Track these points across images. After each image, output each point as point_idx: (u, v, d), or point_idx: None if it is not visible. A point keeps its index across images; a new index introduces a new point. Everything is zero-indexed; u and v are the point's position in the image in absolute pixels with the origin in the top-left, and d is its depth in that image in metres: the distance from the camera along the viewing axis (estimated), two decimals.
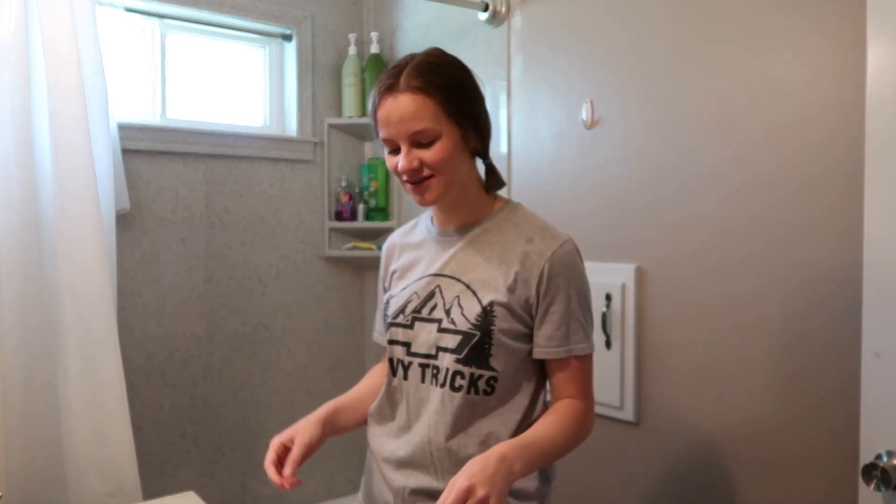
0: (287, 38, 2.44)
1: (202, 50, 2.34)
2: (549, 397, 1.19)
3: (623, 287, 1.61)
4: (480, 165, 1.20)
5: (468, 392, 1.13)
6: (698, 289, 1.47)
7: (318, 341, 2.47)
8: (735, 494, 1.42)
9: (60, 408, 1.63)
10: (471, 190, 1.18)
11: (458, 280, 1.16)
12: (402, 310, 1.20)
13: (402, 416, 1.20)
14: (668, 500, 1.55)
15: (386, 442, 1.21)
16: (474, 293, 1.14)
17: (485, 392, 1.13)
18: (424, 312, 1.17)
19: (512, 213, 1.20)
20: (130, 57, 2.17)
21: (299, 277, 2.43)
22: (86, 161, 1.63)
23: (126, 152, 2.04)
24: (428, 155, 1.09)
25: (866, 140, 1.03)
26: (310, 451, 1.14)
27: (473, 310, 1.13)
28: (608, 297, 1.64)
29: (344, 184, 2.48)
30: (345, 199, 2.45)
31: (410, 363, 1.19)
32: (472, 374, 1.12)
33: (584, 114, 1.71)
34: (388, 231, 2.32)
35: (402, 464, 1.17)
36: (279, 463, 1.12)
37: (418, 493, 1.14)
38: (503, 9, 1.94)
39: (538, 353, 1.15)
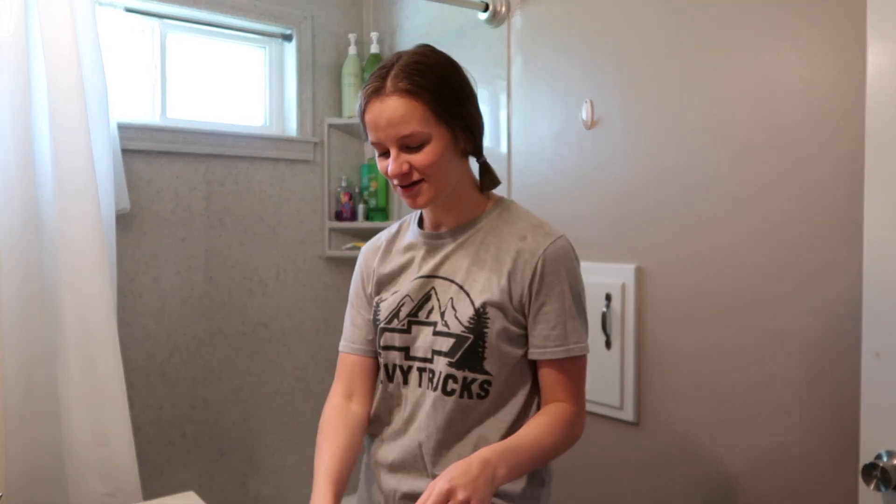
0: (287, 38, 2.44)
1: (202, 50, 2.34)
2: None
3: (623, 287, 1.61)
4: (475, 164, 1.18)
5: (461, 396, 1.11)
6: (698, 289, 1.47)
7: (318, 341, 2.47)
8: (735, 494, 1.42)
9: (60, 408, 1.63)
10: (464, 190, 1.16)
11: (452, 282, 1.14)
12: (395, 314, 1.17)
13: (398, 420, 1.18)
14: (667, 500, 1.55)
15: (380, 446, 1.20)
16: (467, 294, 1.12)
17: (478, 396, 1.11)
18: (421, 315, 1.15)
19: (505, 212, 1.18)
20: (130, 57, 2.16)
21: (299, 277, 2.43)
22: (86, 161, 1.63)
23: (126, 152, 2.04)
24: (417, 159, 1.06)
25: (866, 140, 1.03)
26: None
27: (466, 312, 1.10)
28: (608, 297, 1.64)
29: (344, 184, 2.48)
30: (345, 199, 2.45)
31: (410, 367, 1.16)
32: (464, 378, 1.10)
33: (584, 114, 1.71)
34: None
35: (395, 467, 1.16)
36: None
37: (409, 497, 1.13)
38: (503, 9, 1.94)
39: (534, 354, 1.12)
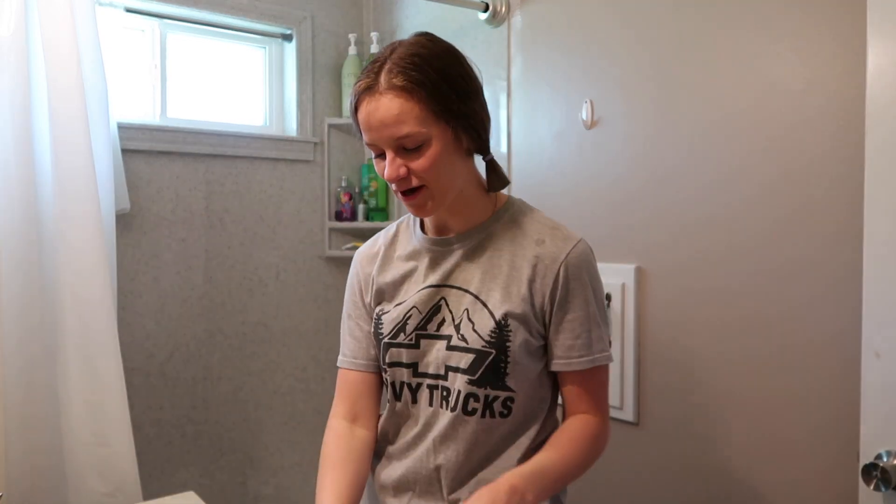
0: (287, 38, 2.44)
1: (202, 50, 2.34)
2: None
3: (623, 287, 1.61)
4: (479, 162, 1.10)
5: (483, 416, 1.03)
6: (698, 289, 1.47)
7: (318, 341, 2.47)
8: (735, 494, 1.41)
9: (60, 408, 1.63)
10: (470, 192, 1.07)
11: (467, 291, 1.05)
12: (401, 328, 1.07)
13: (407, 436, 1.10)
14: (667, 500, 1.55)
15: (387, 464, 1.12)
16: (485, 305, 1.03)
17: (500, 414, 1.04)
18: (431, 328, 1.06)
19: (518, 213, 1.09)
20: (130, 57, 2.16)
21: (299, 277, 2.43)
22: (86, 161, 1.63)
23: (126, 152, 2.04)
24: (416, 163, 0.97)
25: (866, 140, 1.03)
26: None
27: (486, 325, 1.02)
28: (608, 298, 1.64)
29: (344, 184, 2.48)
30: (345, 199, 2.45)
31: (419, 385, 1.07)
32: (486, 396, 1.02)
33: (584, 114, 1.71)
34: None
35: (401, 487, 1.09)
36: None
37: None
38: (503, 9, 1.94)
39: (557, 366, 1.05)
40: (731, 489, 1.42)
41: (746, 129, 1.38)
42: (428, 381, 1.07)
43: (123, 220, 2.05)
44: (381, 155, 1.01)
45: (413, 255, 1.12)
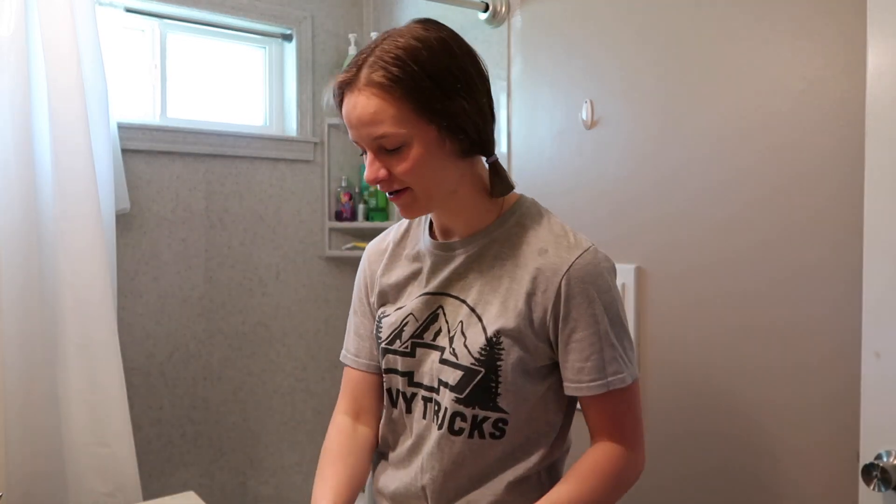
0: (287, 38, 2.44)
1: (202, 50, 2.34)
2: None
3: (623, 287, 1.61)
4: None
5: (470, 436, 0.97)
6: (698, 289, 1.47)
7: (318, 341, 2.47)
8: (735, 495, 1.41)
9: (61, 408, 1.63)
10: (468, 195, 0.99)
11: (464, 302, 0.99)
12: (397, 334, 1.03)
13: (403, 448, 1.05)
14: (668, 500, 1.55)
15: (384, 469, 1.09)
16: (479, 319, 0.96)
17: (492, 436, 0.97)
18: (427, 337, 1.00)
19: (524, 218, 1.01)
20: (130, 57, 2.16)
21: (299, 277, 2.43)
22: (86, 161, 1.63)
23: (126, 152, 2.04)
24: (397, 165, 0.91)
25: (866, 140, 1.03)
26: None
27: (477, 340, 0.95)
28: None
29: (344, 184, 2.48)
30: (345, 199, 2.45)
31: (414, 395, 1.02)
32: (475, 417, 0.96)
33: (584, 114, 1.71)
34: None
35: (396, 501, 1.06)
36: None
37: None
38: (503, 9, 1.94)
39: (569, 389, 0.97)
40: (731, 489, 1.42)
41: (746, 129, 1.37)
42: (423, 392, 1.01)
43: (123, 220, 2.05)
44: (366, 153, 0.96)
45: (418, 257, 1.06)
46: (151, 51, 2.22)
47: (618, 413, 0.98)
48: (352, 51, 2.43)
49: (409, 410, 1.04)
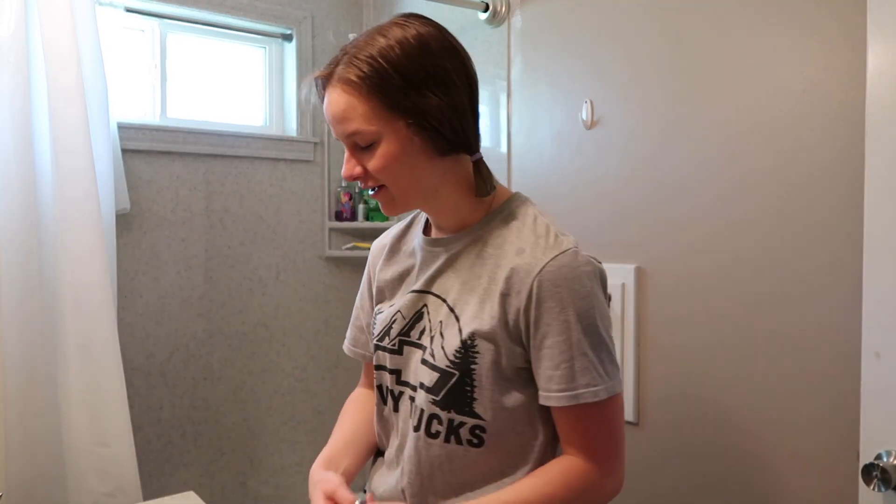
0: (287, 38, 2.44)
1: (202, 50, 2.34)
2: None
3: (623, 287, 1.61)
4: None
5: (447, 440, 0.94)
6: (698, 289, 1.47)
7: (318, 341, 2.47)
8: (735, 494, 1.41)
9: (60, 408, 1.63)
10: (452, 193, 0.97)
11: (444, 301, 0.97)
12: (386, 331, 1.02)
13: (392, 447, 1.04)
14: (668, 499, 1.55)
15: (378, 468, 1.08)
16: (457, 320, 0.94)
17: (469, 443, 0.93)
18: (413, 336, 0.99)
19: (511, 217, 0.98)
20: (130, 57, 2.17)
21: (299, 277, 2.43)
22: (86, 161, 1.63)
23: (126, 152, 2.04)
24: (370, 163, 0.91)
25: (866, 140, 1.03)
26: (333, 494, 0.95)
27: (453, 343, 0.93)
28: (608, 298, 1.63)
29: (344, 184, 2.48)
30: (345, 199, 2.45)
31: (401, 393, 1.01)
32: (451, 421, 0.93)
33: (584, 114, 1.71)
34: None
35: (382, 501, 1.03)
36: None
37: None
38: (503, 9, 1.94)
39: (541, 399, 0.92)
40: (731, 489, 1.42)
41: (747, 130, 1.37)
42: (409, 391, 0.99)
43: (123, 220, 2.05)
44: None
45: (413, 253, 1.06)
46: (151, 51, 2.22)
47: (589, 429, 0.91)
48: None
49: (396, 409, 1.03)
